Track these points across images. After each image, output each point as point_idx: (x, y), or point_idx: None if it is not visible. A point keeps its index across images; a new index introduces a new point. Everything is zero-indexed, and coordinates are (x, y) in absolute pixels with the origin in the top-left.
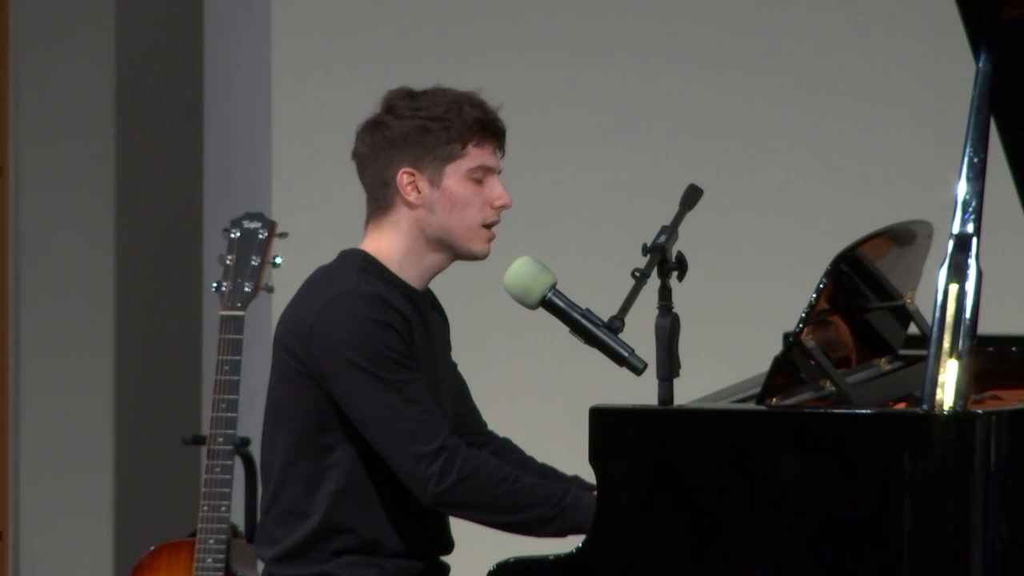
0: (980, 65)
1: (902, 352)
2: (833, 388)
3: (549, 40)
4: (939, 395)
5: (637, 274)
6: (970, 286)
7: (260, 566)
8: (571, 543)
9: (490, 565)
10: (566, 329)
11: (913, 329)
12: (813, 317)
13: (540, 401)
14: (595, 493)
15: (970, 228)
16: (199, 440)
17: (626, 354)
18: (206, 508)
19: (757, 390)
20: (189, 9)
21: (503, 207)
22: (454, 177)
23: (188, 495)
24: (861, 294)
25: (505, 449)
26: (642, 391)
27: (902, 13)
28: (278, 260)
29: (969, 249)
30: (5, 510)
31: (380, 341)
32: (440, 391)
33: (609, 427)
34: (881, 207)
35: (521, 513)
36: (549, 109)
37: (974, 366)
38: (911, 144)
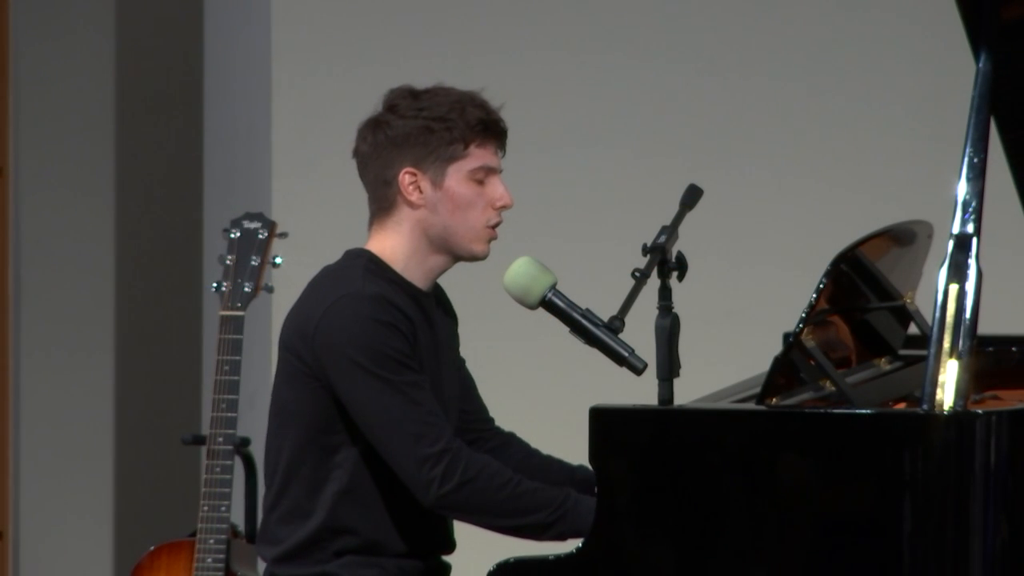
0: (980, 65)
1: (902, 352)
2: (833, 388)
3: (549, 40)
4: (939, 395)
5: (637, 274)
6: (970, 286)
7: (261, 566)
8: (571, 543)
9: (490, 565)
10: (566, 329)
11: (913, 329)
12: (813, 317)
13: (540, 401)
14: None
15: (970, 228)
16: (199, 440)
17: (626, 354)
18: (206, 508)
19: (757, 390)
20: (189, 9)
21: (505, 207)
22: (456, 177)
23: (188, 495)
24: (861, 294)
25: (510, 443)
26: (642, 391)
27: (902, 13)
28: (278, 260)
29: (969, 249)
30: (5, 510)
31: (384, 342)
32: (445, 391)
33: (609, 427)
34: (881, 207)
35: (522, 517)
36: (549, 109)
37: (974, 366)
38: (911, 144)
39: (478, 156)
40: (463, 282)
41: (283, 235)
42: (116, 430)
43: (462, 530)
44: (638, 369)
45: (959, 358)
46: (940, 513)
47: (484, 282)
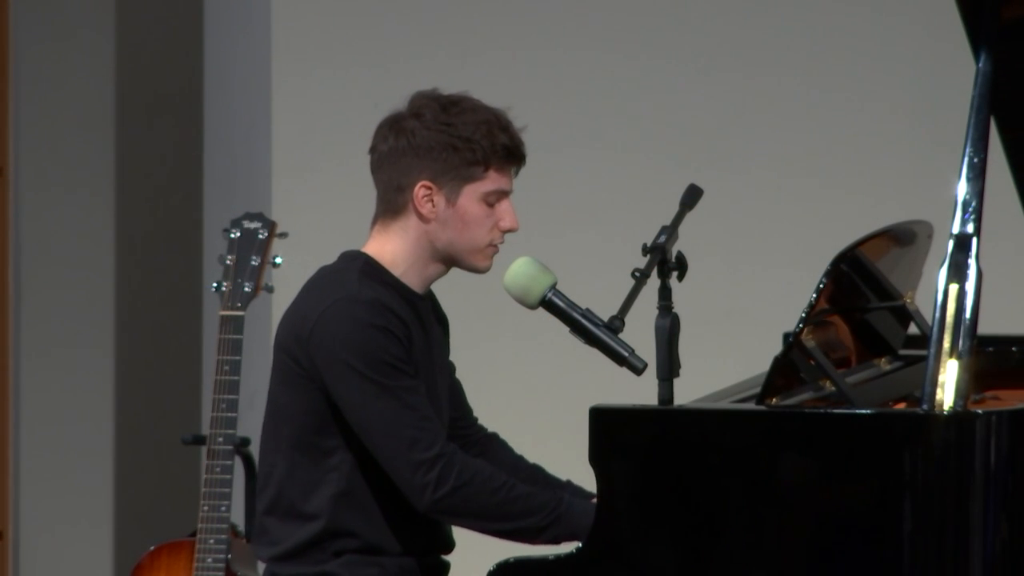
0: (980, 65)
1: (902, 352)
2: (833, 388)
3: (549, 40)
4: (939, 395)
5: (637, 274)
6: (970, 286)
7: (261, 566)
8: (571, 542)
9: (490, 565)
10: (566, 329)
11: (913, 329)
12: (813, 317)
13: (540, 401)
14: (589, 500)
15: (970, 228)
16: (199, 440)
17: (626, 354)
18: (206, 508)
19: (757, 390)
20: (189, 9)
21: (510, 230)
22: (470, 197)
23: (188, 495)
24: (861, 294)
25: (492, 446)
26: (642, 391)
27: (902, 13)
28: (278, 260)
29: (969, 249)
30: (5, 510)
31: (379, 346)
32: (438, 395)
33: (609, 427)
34: (881, 207)
35: (516, 521)
36: (549, 109)
37: (974, 366)
38: (911, 144)
39: (495, 180)
40: (463, 282)
41: (283, 235)
42: (116, 430)
43: (461, 530)
44: (638, 369)
45: (959, 358)
46: (940, 513)
47: (484, 282)
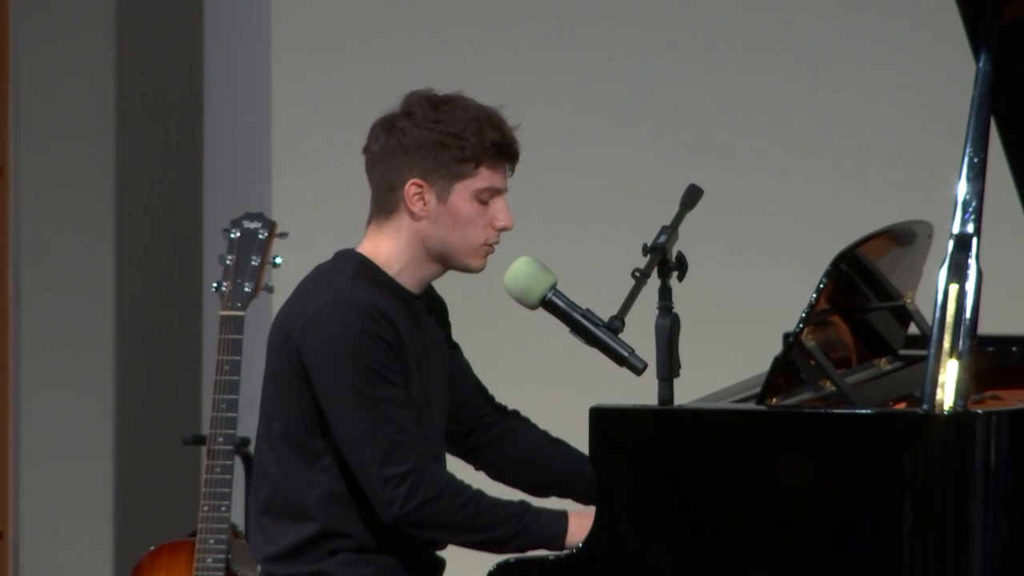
0: (980, 65)
1: (902, 352)
2: (833, 388)
3: (549, 40)
4: (939, 395)
5: (637, 274)
6: (970, 286)
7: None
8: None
9: (490, 565)
10: (566, 329)
11: (913, 329)
12: (813, 317)
13: (540, 401)
14: (558, 510)
15: (970, 228)
16: (199, 440)
17: (626, 354)
18: (206, 508)
19: (757, 390)
20: (189, 9)
21: (505, 229)
22: (461, 195)
23: (188, 495)
24: (861, 294)
25: (516, 429)
26: (642, 391)
27: (902, 13)
28: (278, 260)
29: (969, 249)
30: (5, 510)
31: (367, 353)
32: (432, 394)
33: (609, 427)
34: (881, 207)
35: (482, 533)
36: (549, 109)
37: (974, 366)
38: (911, 144)
39: (486, 177)
40: (463, 282)
41: (283, 235)
42: (116, 430)
43: None
44: (638, 369)
45: (959, 358)
46: (940, 513)
47: (484, 282)
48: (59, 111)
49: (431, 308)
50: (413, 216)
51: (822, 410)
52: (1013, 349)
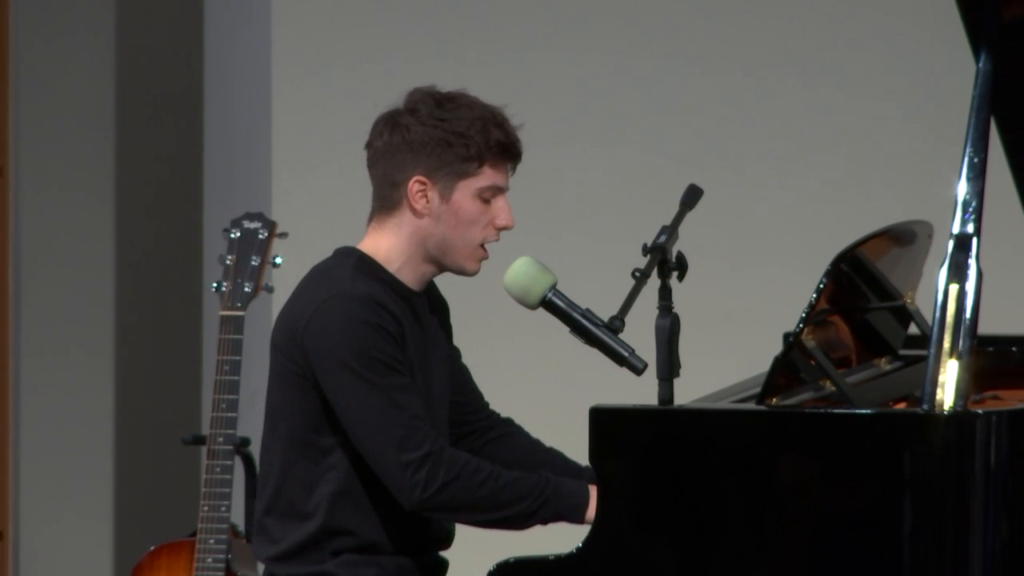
0: (980, 65)
1: (902, 352)
2: (833, 388)
3: (549, 40)
4: (939, 395)
5: (637, 274)
6: (970, 286)
7: (260, 566)
8: (571, 542)
9: (490, 565)
10: (566, 329)
11: (913, 329)
12: (813, 317)
13: (540, 401)
14: (579, 480)
15: (970, 228)
16: (199, 440)
17: (626, 354)
18: (206, 508)
19: (757, 390)
20: (189, 9)
21: (506, 228)
22: (464, 193)
23: (188, 495)
24: (861, 294)
25: (510, 435)
26: (642, 391)
27: (902, 13)
28: (278, 260)
29: (969, 249)
30: (5, 510)
31: (371, 344)
32: (435, 390)
33: (609, 427)
34: (881, 207)
35: (505, 509)
36: (549, 109)
37: (974, 366)
38: (911, 144)
39: (489, 176)
40: (463, 282)
41: (283, 235)
42: (116, 430)
43: (462, 529)
44: (638, 369)
45: (959, 358)
46: (940, 513)
47: (484, 282)
48: (59, 111)
49: (434, 308)
50: (415, 213)
51: (822, 410)
52: (1013, 349)
